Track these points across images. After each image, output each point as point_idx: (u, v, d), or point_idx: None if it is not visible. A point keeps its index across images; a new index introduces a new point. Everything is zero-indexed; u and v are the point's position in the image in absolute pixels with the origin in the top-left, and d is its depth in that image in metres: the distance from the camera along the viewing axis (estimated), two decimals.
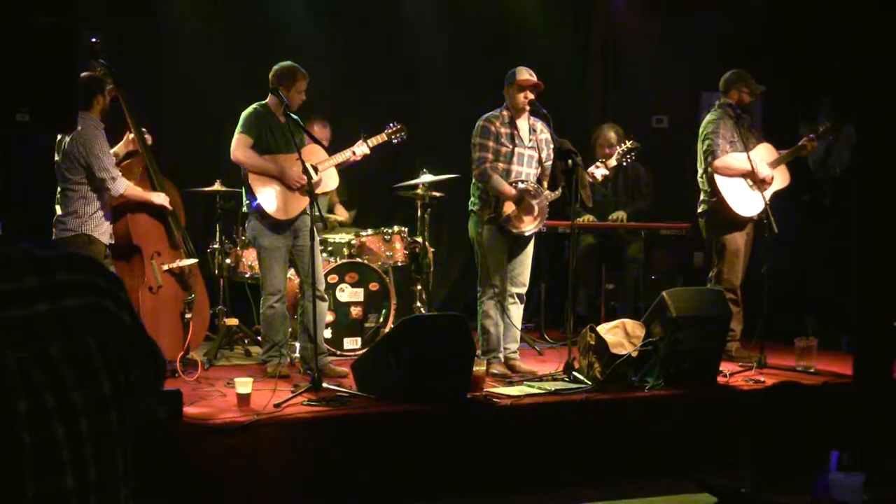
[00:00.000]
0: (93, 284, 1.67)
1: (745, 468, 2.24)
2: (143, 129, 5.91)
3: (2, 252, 1.65)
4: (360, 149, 6.19)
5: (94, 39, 5.75)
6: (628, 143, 6.33)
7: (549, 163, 6.12)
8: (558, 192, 6.03)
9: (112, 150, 5.83)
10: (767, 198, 6.48)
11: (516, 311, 6.09)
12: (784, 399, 2.30)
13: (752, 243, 6.70)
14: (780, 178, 6.63)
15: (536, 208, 5.93)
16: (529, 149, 6.04)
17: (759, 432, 2.25)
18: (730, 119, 6.57)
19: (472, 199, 6.09)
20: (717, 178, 6.59)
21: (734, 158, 6.53)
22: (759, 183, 6.47)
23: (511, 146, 5.97)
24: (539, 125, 6.11)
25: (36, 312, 1.59)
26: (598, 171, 6.13)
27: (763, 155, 6.63)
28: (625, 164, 6.42)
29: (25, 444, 1.56)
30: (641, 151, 6.53)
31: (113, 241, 5.69)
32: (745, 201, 6.56)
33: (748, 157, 6.41)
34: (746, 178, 6.54)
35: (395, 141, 6.45)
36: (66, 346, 1.60)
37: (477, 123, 6.03)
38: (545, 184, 6.06)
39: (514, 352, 6.11)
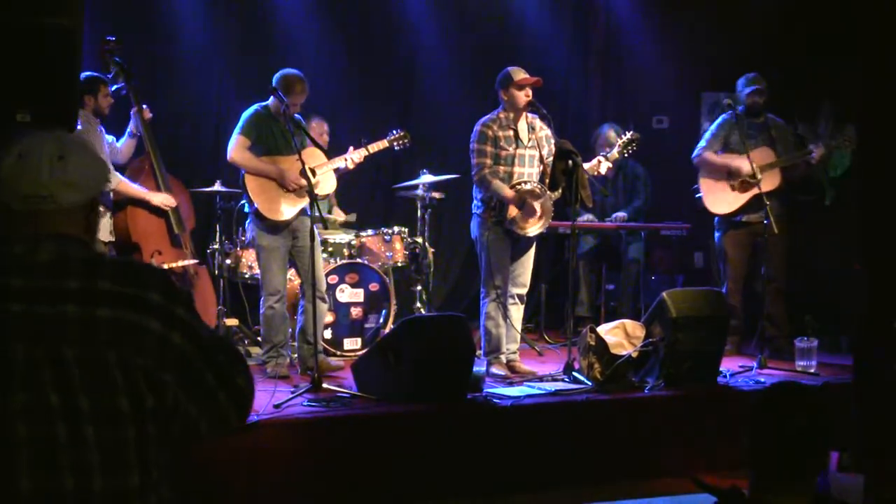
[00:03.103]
0: (139, 300, 1.64)
1: (744, 468, 2.24)
2: (145, 107, 5.97)
3: (61, 251, 1.65)
4: (359, 153, 6.18)
5: (109, 38, 5.83)
6: (628, 135, 6.34)
7: (551, 159, 6.10)
8: (558, 193, 6.02)
9: (128, 130, 5.98)
10: (747, 199, 6.64)
11: (516, 312, 6.09)
12: (783, 399, 2.30)
13: (756, 249, 6.73)
14: (769, 181, 6.58)
15: (540, 209, 5.91)
16: (530, 148, 6.03)
17: (758, 432, 2.24)
18: (733, 119, 6.71)
19: (475, 201, 6.07)
20: (699, 174, 6.83)
21: (712, 156, 6.74)
22: (742, 184, 6.64)
23: (511, 149, 5.96)
24: (537, 122, 6.10)
25: (62, 312, 1.59)
26: (603, 166, 6.11)
27: (759, 158, 6.63)
28: (626, 155, 6.41)
29: (22, 438, 1.55)
30: (641, 151, 6.56)
31: (113, 239, 5.71)
32: (720, 200, 6.75)
33: (722, 157, 6.67)
34: (730, 178, 6.70)
35: (396, 147, 6.45)
36: (84, 352, 1.59)
37: (475, 128, 5.99)
38: (547, 182, 6.05)
39: (514, 352, 6.11)
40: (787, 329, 6.72)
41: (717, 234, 6.93)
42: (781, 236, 6.52)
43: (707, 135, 6.85)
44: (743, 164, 6.57)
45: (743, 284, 6.87)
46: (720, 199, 6.77)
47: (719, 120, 6.88)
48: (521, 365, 6.06)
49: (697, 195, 6.90)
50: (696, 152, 6.84)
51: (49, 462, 1.57)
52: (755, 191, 6.57)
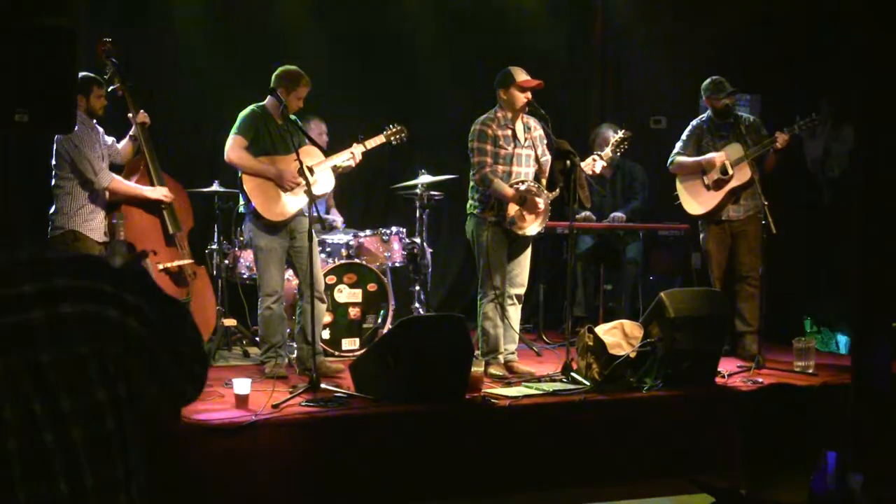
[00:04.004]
0: (95, 291, 1.65)
1: (741, 468, 2.24)
2: (142, 111, 5.96)
3: (7, 257, 1.64)
4: (357, 150, 6.17)
5: (106, 39, 5.84)
6: (621, 133, 6.34)
7: (546, 159, 6.11)
8: (556, 192, 6.02)
9: (129, 134, 5.96)
10: (721, 196, 6.68)
11: (514, 313, 6.09)
12: (776, 399, 2.30)
13: (736, 247, 6.75)
14: (738, 176, 6.64)
15: (539, 208, 5.92)
16: (526, 148, 6.03)
17: (752, 433, 2.24)
18: (704, 123, 6.87)
19: (471, 201, 6.06)
20: (676, 180, 6.94)
21: (685, 159, 6.83)
22: (715, 183, 6.70)
23: (510, 148, 5.96)
24: (532, 122, 6.10)
25: (29, 319, 1.58)
26: (598, 165, 6.12)
27: (728, 154, 6.70)
28: (619, 153, 6.40)
29: (12, 451, 1.55)
30: (639, 151, 6.58)
31: (108, 239, 5.71)
32: (698, 202, 6.82)
33: (694, 158, 6.76)
34: (704, 177, 6.77)
35: (394, 142, 6.42)
36: (57, 353, 1.59)
37: (473, 127, 5.98)
38: (543, 182, 6.06)
39: (513, 353, 6.11)
40: (756, 326, 6.64)
41: (701, 235, 6.94)
42: (755, 233, 6.54)
43: (679, 142, 6.93)
44: (715, 156, 6.69)
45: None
46: (697, 200, 6.83)
47: (690, 125, 6.96)
48: (519, 365, 6.06)
49: (676, 202, 6.95)
50: (670, 159, 6.93)
51: (41, 470, 1.57)
52: (729, 187, 6.65)
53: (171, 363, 1.73)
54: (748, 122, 6.86)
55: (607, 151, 6.26)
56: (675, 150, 6.91)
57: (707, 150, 6.79)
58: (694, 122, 6.95)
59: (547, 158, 6.11)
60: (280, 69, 5.85)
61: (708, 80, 6.83)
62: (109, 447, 1.62)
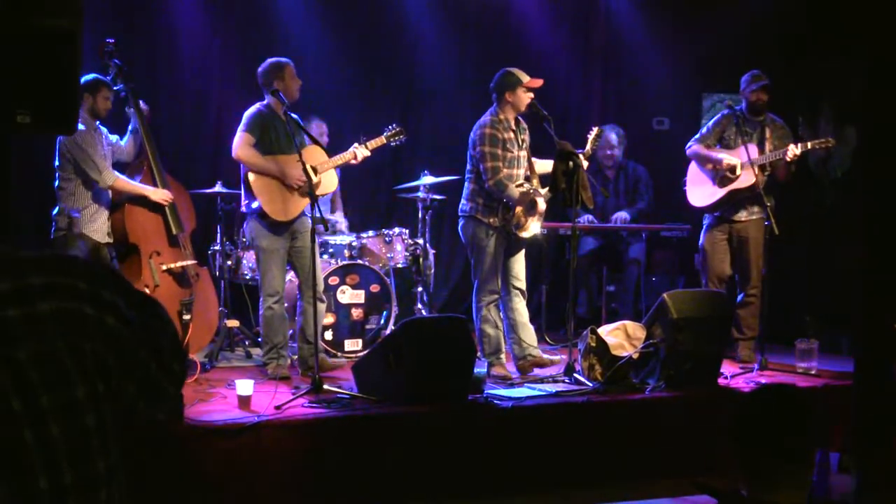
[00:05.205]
0: (71, 287, 1.64)
1: (741, 470, 2.24)
2: (140, 101, 5.96)
3: None
4: (360, 151, 6.17)
5: (109, 40, 5.85)
6: (595, 131, 6.25)
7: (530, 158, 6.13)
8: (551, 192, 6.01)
9: (129, 129, 5.99)
10: (723, 194, 6.62)
11: (523, 307, 6.11)
12: (771, 401, 2.30)
13: (738, 254, 6.68)
14: (743, 178, 6.58)
15: (540, 209, 5.94)
16: (522, 150, 6.05)
17: (748, 434, 2.25)
18: (732, 115, 6.69)
19: (471, 203, 6.03)
20: (690, 166, 6.85)
21: (701, 148, 6.74)
22: (721, 180, 6.65)
23: (515, 150, 5.97)
24: (523, 123, 6.12)
25: (5, 317, 1.58)
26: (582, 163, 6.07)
27: (744, 154, 6.65)
28: (591, 152, 6.30)
29: None
30: (641, 152, 6.56)
31: (111, 240, 5.72)
32: (700, 193, 6.76)
33: (708, 150, 6.68)
34: (715, 172, 6.69)
35: (393, 143, 6.42)
36: (35, 350, 1.58)
37: (481, 131, 5.93)
38: (535, 182, 6.05)
39: (536, 347, 6.13)
40: (750, 334, 6.62)
41: (702, 233, 6.86)
42: (756, 238, 6.51)
43: (704, 128, 6.85)
44: (724, 157, 6.62)
45: (724, 285, 6.79)
46: (700, 192, 6.77)
47: (718, 115, 6.88)
48: (543, 357, 6.10)
49: (685, 187, 6.92)
50: (689, 143, 6.84)
51: (20, 466, 1.56)
52: (731, 187, 6.59)
53: (149, 362, 1.74)
54: (776, 125, 6.75)
55: (587, 149, 6.16)
56: (697, 136, 6.81)
57: (728, 143, 6.69)
58: (724, 112, 6.82)
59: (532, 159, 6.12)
60: (260, 70, 5.88)
61: (748, 73, 6.73)
62: (89, 444, 1.62)
